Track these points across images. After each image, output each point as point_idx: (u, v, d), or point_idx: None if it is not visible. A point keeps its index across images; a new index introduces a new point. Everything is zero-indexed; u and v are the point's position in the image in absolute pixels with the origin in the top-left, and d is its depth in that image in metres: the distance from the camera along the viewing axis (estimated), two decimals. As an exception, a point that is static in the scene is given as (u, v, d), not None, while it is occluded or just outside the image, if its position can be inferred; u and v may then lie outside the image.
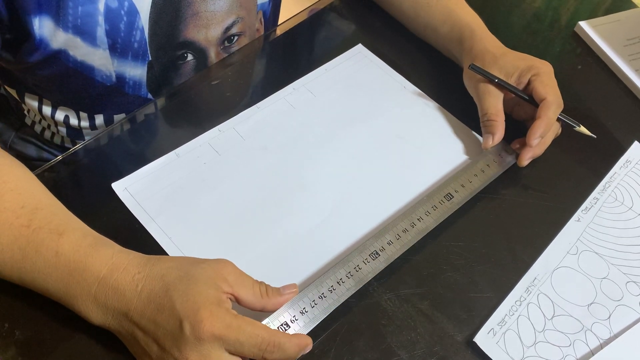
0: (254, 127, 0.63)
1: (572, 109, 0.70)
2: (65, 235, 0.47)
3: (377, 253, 0.53)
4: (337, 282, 0.51)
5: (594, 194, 0.62)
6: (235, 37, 0.72)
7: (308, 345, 0.46)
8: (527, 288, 0.55)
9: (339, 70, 0.70)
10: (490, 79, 0.63)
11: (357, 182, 0.60)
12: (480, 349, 0.51)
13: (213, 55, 0.71)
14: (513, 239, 0.58)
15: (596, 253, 0.58)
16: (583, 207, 0.61)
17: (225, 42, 0.71)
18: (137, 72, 0.66)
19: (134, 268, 0.45)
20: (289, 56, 0.73)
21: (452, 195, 0.58)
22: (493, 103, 0.62)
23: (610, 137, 0.68)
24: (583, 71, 0.75)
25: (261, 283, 0.47)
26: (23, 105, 0.72)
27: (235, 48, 0.73)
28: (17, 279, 0.47)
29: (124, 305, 0.44)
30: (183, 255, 0.53)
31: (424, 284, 0.54)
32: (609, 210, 0.61)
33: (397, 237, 0.55)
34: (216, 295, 0.43)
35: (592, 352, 0.52)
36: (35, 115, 0.74)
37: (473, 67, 0.64)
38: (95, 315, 0.45)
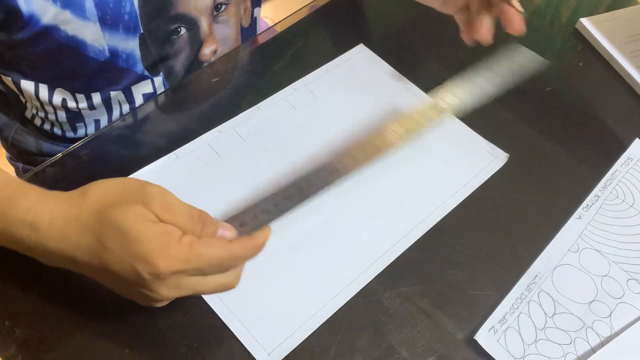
0: (255, 128, 0.63)
1: (573, 105, 0.71)
2: None
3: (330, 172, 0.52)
4: (283, 197, 0.50)
5: (595, 191, 0.62)
6: (223, 6, 0.72)
7: (266, 238, 0.44)
8: (528, 286, 0.55)
9: (340, 71, 0.70)
10: None
11: (357, 183, 0.60)
12: (481, 347, 0.51)
13: (205, 26, 0.72)
14: (514, 236, 0.58)
15: (597, 251, 0.58)
16: (584, 204, 0.61)
17: (214, 11, 0.72)
18: (129, 44, 0.67)
19: (58, 221, 0.43)
20: (289, 55, 0.73)
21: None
22: None
23: (612, 135, 0.68)
24: (584, 68, 0.75)
25: (199, 215, 0.43)
26: (21, 97, 0.73)
27: (223, 17, 0.73)
28: None
29: (68, 256, 0.43)
30: (109, 183, 0.46)
31: (424, 282, 0.54)
32: (610, 207, 0.61)
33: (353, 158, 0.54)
34: (158, 232, 0.41)
35: (593, 350, 0.52)
36: (32, 106, 0.74)
37: None
38: (44, 262, 0.45)
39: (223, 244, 0.43)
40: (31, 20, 0.58)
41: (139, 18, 0.64)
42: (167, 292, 0.42)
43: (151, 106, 0.66)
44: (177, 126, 0.64)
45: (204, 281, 0.43)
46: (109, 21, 0.62)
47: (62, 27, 0.60)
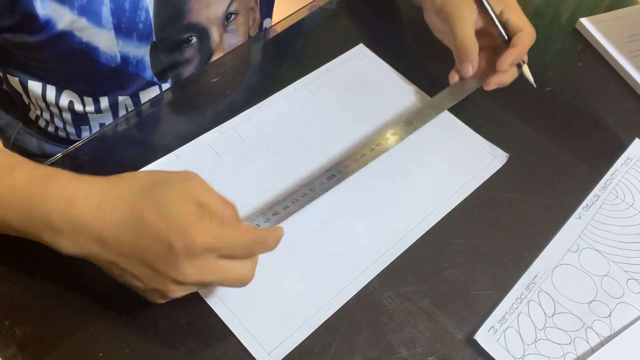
0: (255, 128, 0.63)
1: (573, 105, 0.71)
2: (17, 169, 0.46)
3: (332, 175, 0.57)
4: (292, 201, 0.54)
5: (595, 191, 0.62)
6: (232, 16, 0.73)
7: (282, 234, 0.47)
8: (528, 286, 0.55)
9: (340, 71, 0.70)
10: None
11: (358, 184, 0.60)
12: (481, 347, 0.51)
13: (216, 35, 0.72)
14: (514, 236, 0.58)
15: (597, 250, 0.58)
16: (584, 204, 0.61)
17: (224, 20, 0.72)
18: (140, 51, 0.67)
19: (95, 196, 0.44)
20: (289, 55, 0.73)
21: (412, 122, 0.62)
22: (469, 29, 0.63)
23: (611, 134, 0.68)
24: (584, 68, 0.75)
25: (232, 205, 0.47)
26: (25, 97, 0.73)
27: (232, 27, 0.74)
28: None
29: (95, 235, 0.43)
30: (148, 171, 0.50)
31: (424, 282, 0.54)
32: (609, 207, 0.61)
33: (355, 160, 0.58)
34: (195, 209, 0.43)
35: (593, 350, 0.52)
36: (36, 107, 0.74)
37: None
38: (65, 246, 0.44)
39: (250, 229, 0.47)
40: (47, 25, 0.58)
41: (153, 27, 0.65)
42: (192, 274, 0.43)
43: (151, 106, 0.66)
44: (177, 126, 0.64)
45: (227, 268, 0.44)
46: (123, 29, 0.63)
47: (77, 33, 0.61)
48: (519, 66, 0.65)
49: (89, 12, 0.59)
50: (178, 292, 0.45)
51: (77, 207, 0.44)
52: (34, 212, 0.44)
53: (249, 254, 0.45)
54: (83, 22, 0.59)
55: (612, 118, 0.70)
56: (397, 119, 0.63)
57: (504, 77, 0.64)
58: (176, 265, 0.42)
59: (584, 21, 0.78)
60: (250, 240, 0.45)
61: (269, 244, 0.46)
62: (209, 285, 0.50)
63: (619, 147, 0.67)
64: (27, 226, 0.45)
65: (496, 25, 0.63)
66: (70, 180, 0.45)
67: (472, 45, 0.62)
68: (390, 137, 0.61)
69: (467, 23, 0.63)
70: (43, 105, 0.72)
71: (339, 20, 0.77)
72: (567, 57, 0.77)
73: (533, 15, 0.80)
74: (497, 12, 0.64)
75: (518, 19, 0.63)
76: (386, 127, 0.62)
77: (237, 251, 0.44)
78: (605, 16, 0.80)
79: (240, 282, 0.46)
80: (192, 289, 0.47)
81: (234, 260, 0.45)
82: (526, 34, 0.63)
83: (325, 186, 0.56)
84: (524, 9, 0.65)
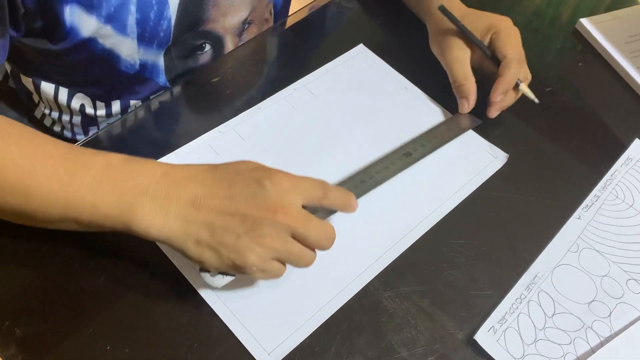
0: (255, 128, 0.63)
1: (573, 105, 0.71)
2: (111, 153, 0.48)
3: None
4: None
5: (595, 191, 0.62)
6: (246, 25, 0.73)
7: (353, 202, 0.50)
8: (528, 286, 0.55)
9: (340, 71, 0.70)
10: (457, 25, 0.65)
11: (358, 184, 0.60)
12: (481, 347, 0.51)
13: (230, 44, 0.73)
14: (514, 236, 0.58)
15: (597, 251, 0.58)
16: (584, 204, 0.61)
17: (239, 30, 0.73)
18: (157, 58, 0.68)
19: (185, 169, 0.47)
20: (290, 56, 0.73)
21: (410, 153, 0.61)
22: (462, 68, 0.65)
23: (611, 135, 0.68)
24: (584, 69, 0.75)
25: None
26: (34, 96, 0.73)
27: (244, 36, 0.74)
28: (61, 207, 0.45)
29: (188, 194, 0.45)
30: None
31: (424, 282, 0.54)
32: (609, 208, 0.61)
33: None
34: None
35: (593, 350, 0.52)
36: (45, 106, 0.74)
37: (442, 9, 0.66)
38: (153, 219, 0.45)
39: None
40: (71, 32, 0.58)
41: (171, 34, 0.65)
42: (280, 207, 0.45)
43: (151, 106, 0.66)
44: (177, 126, 0.64)
45: (310, 219, 0.47)
46: (146, 38, 0.63)
47: (100, 40, 0.61)
48: (517, 86, 0.64)
49: (115, 20, 0.59)
50: (269, 239, 0.45)
51: (174, 173, 0.47)
52: (127, 184, 0.46)
53: (321, 194, 0.47)
54: (108, 29, 0.60)
55: (612, 118, 0.70)
56: (397, 149, 0.62)
57: (501, 104, 0.64)
58: (267, 203, 0.45)
59: (584, 21, 0.79)
60: (323, 186, 0.48)
61: (341, 197, 0.49)
62: (286, 250, 0.47)
63: (619, 147, 0.67)
64: (116, 204, 0.45)
65: (488, 57, 0.65)
66: (161, 162, 0.48)
67: (467, 84, 0.64)
68: (390, 166, 0.60)
69: (461, 64, 0.65)
70: (54, 105, 0.72)
71: (339, 20, 0.78)
72: (567, 57, 0.77)
73: (533, 16, 0.80)
74: (487, 40, 0.65)
75: (502, 44, 0.64)
76: (386, 156, 0.61)
77: (312, 191, 0.47)
78: (605, 16, 0.80)
79: (324, 236, 0.48)
80: (281, 242, 0.46)
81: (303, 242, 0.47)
82: (509, 60, 0.63)
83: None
84: (524, 9, 0.66)
